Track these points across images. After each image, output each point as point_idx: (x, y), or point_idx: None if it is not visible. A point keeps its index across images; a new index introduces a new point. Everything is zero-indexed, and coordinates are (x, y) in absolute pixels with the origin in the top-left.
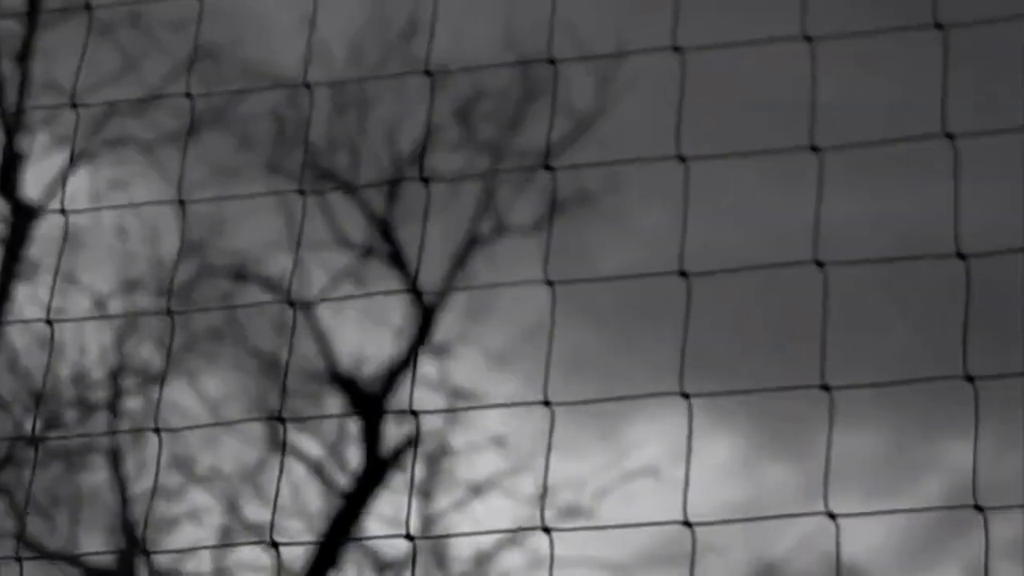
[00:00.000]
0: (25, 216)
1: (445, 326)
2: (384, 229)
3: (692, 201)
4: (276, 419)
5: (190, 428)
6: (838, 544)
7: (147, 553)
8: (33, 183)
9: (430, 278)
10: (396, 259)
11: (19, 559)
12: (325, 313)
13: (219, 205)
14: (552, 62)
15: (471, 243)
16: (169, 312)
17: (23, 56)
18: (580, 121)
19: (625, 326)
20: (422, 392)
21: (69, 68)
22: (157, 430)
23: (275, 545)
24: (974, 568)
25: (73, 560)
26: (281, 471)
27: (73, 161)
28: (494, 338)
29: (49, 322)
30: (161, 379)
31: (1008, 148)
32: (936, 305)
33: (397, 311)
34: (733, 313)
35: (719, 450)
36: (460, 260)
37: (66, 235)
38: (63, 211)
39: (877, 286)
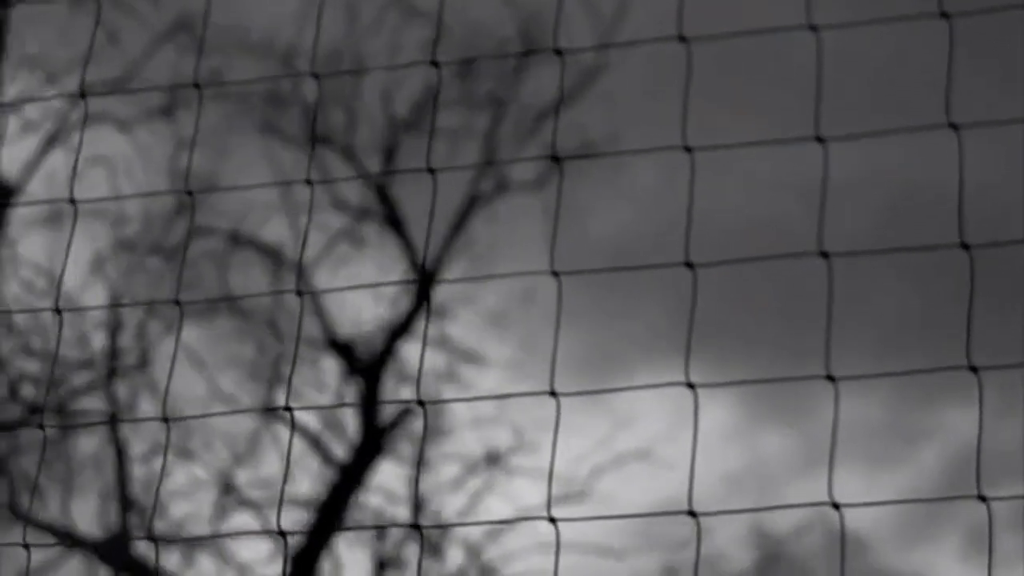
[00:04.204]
0: (3, 195)
1: (445, 287)
2: (381, 191)
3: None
4: (284, 408)
5: (196, 417)
6: (843, 532)
7: (155, 540)
8: (9, 162)
9: (430, 239)
10: (393, 221)
11: (26, 546)
12: (322, 277)
13: (214, 166)
14: (559, 52)
15: (471, 202)
16: (177, 302)
17: None
18: (583, 75)
19: (618, 283)
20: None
21: (45, 44)
22: (165, 419)
23: (283, 534)
24: (974, 536)
25: (75, 539)
26: (288, 464)
27: (51, 140)
28: (493, 298)
29: (58, 311)
30: (170, 370)
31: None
32: (934, 268)
33: (395, 274)
34: (733, 279)
35: (718, 417)
36: (459, 222)
37: (74, 225)
38: (72, 201)
39: (876, 243)
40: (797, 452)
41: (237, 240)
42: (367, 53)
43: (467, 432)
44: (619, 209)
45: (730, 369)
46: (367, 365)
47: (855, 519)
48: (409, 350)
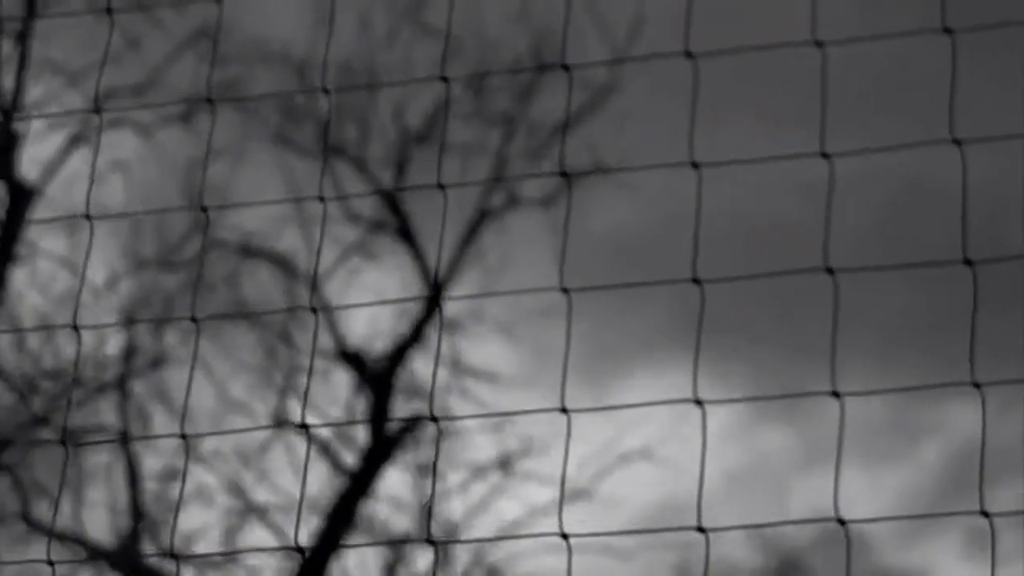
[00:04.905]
0: (22, 197)
1: (455, 301)
2: (393, 204)
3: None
4: (300, 426)
5: (215, 434)
6: (848, 545)
7: (176, 557)
8: (30, 164)
9: (440, 252)
10: (405, 233)
11: (51, 563)
12: (334, 288)
13: (227, 179)
14: (566, 68)
15: (481, 217)
16: (193, 319)
17: (22, 36)
18: (594, 94)
19: (620, 281)
20: (429, 371)
21: (68, 48)
22: (183, 436)
23: (300, 550)
24: (975, 535)
25: (89, 548)
26: (304, 477)
27: (72, 142)
28: (504, 310)
29: (76, 327)
30: (187, 387)
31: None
32: (938, 271)
33: (408, 286)
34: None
35: (719, 415)
36: (469, 235)
37: (91, 236)
38: (88, 216)
39: (878, 240)
40: (799, 451)
41: (250, 252)
42: (381, 68)
43: (475, 436)
44: (621, 206)
45: (732, 369)
46: (378, 376)
47: (855, 516)
48: (420, 362)
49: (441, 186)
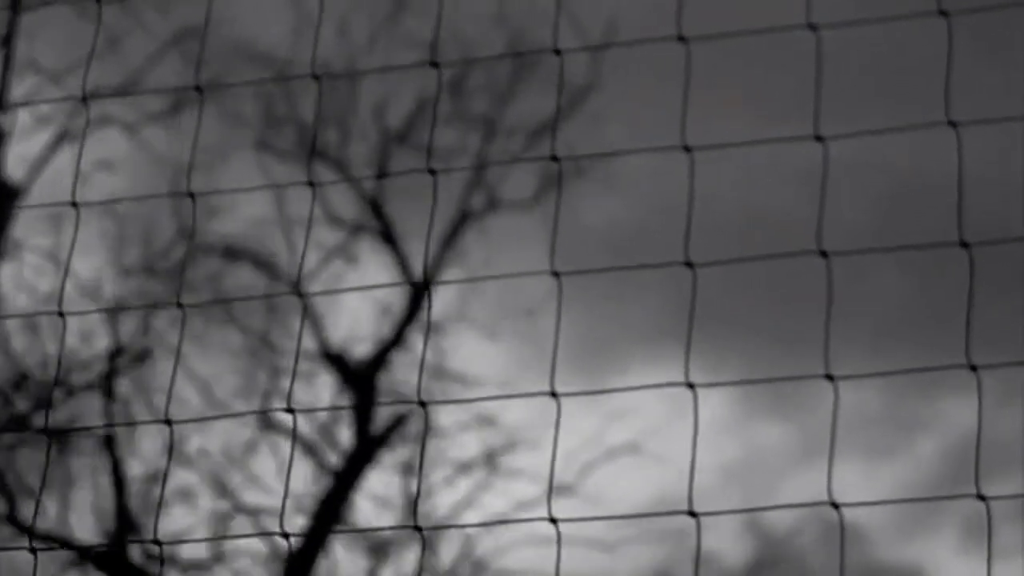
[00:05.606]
0: (7, 195)
1: (439, 303)
2: (375, 206)
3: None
4: (286, 410)
5: (200, 420)
6: (842, 532)
7: (159, 543)
8: (15, 162)
9: (422, 254)
10: (387, 236)
11: (33, 550)
12: (317, 290)
13: (210, 183)
14: (557, 52)
15: (463, 218)
16: (179, 305)
17: (7, 36)
18: (574, 93)
19: (612, 272)
20: (413, 370)
21: (51, 48)
22: (168, 422)
23: (286, 536)
24: (973, 529)
25: (78, 548)
26: (290, 466)
27: (57, 141)
28: (487, 313)
29: (61, 314)
30: (172, 374)
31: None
32: (933, 258)
33: (390, 288)
34: (730, 269)
35: (713, 407)
36: (451, 236)
37: (77, 226)
38: (74, 204)
39: (874, 227)
40: (794, 443)
41: (233, 255)
42: (361, 72)
43: (462, 430)
44: (611, 194)
45: (726, 358)
46: (361, 376)
47: (852, 511)
48: (402, 361)
49: (432, 171)
